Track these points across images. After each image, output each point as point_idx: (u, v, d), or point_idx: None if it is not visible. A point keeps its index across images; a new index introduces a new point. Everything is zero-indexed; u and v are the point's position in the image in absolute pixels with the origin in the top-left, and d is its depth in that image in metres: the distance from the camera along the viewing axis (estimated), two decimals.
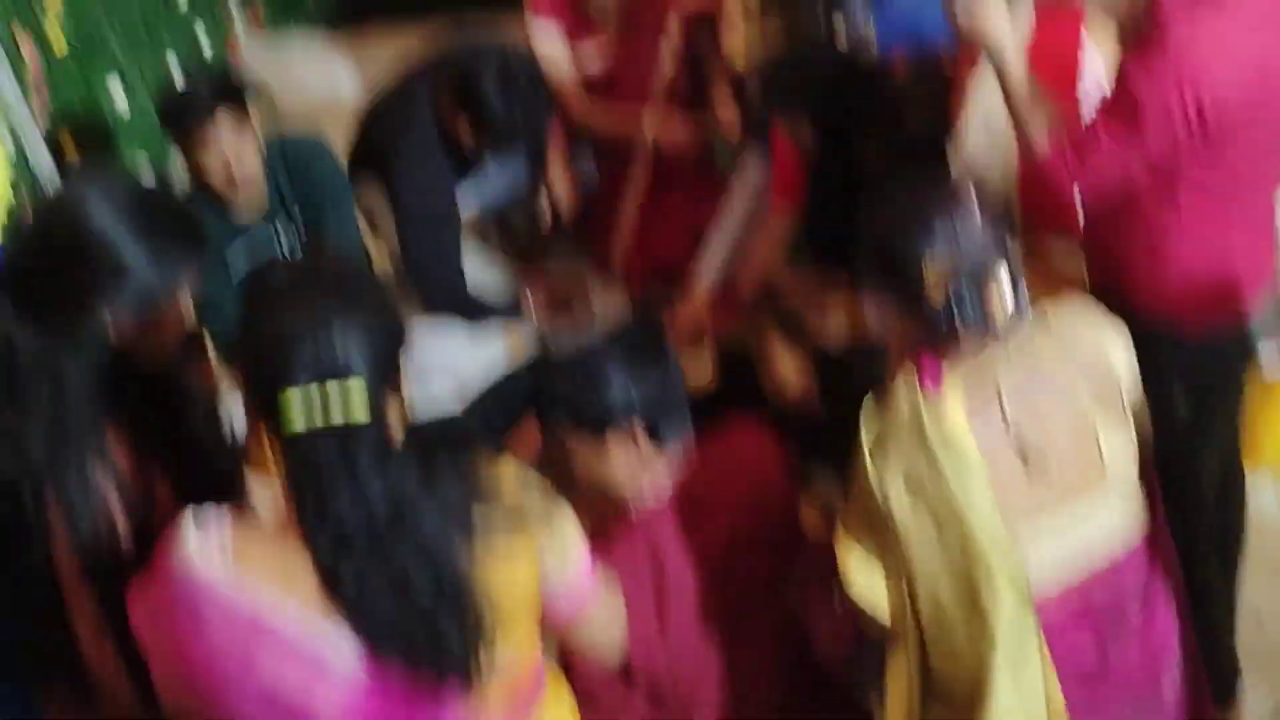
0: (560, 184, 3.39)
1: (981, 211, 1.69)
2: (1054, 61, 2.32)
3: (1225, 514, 2.51)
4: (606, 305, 3.42)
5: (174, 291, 1.89)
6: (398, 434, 1.52)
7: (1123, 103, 1.97)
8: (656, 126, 3.29)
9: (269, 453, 1.50)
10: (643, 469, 1.88)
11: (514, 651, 1.60)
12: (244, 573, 1.45)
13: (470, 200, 3.37)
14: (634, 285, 3.45)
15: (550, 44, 3.34)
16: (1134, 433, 1.81)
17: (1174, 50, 1.91)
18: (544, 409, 1.92)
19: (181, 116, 2.82)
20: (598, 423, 1.84)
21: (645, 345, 1.92)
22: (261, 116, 2.89)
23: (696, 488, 2.03)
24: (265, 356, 1.48)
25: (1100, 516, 1.80)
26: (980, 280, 1.66)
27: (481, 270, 3.56)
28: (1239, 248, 2.14)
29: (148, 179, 1.88)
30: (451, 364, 3.23)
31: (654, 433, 1.86)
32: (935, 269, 1.66)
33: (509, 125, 2.98)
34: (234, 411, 2.07)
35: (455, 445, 1.57)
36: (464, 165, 3.16)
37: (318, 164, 3.04)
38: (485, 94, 2.94)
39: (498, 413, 2.80)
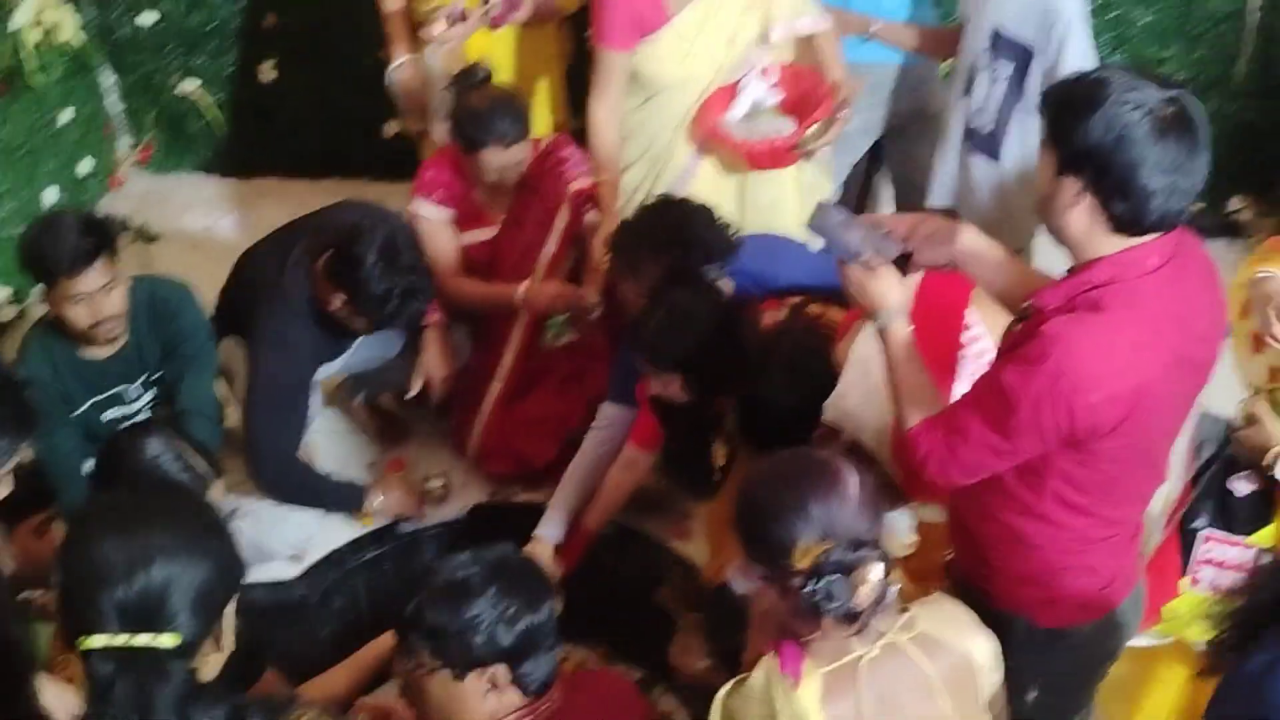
0: (434, 362, 3.33)
1: (860, 500, 1.67)
2: (937, 319, 2.33)
3: None
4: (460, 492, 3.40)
5: None
6: (209, 676, 1.45)
7: (996, 400, 1.92)
8: (528, 290, 3.27)
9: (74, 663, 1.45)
10: (500, 710, 1.81)
11: None
12: None
13: (336, 364, 3.30)
14: (490, 473, 3.43)
15: (434, 224, 3.32)
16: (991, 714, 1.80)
17: (1053, 357, 1.85)
18: (406, 631, 1.84)
19: (46, 262, 2.72)
20: (462, 663, 1.77)
21: (522, 582, 1.85)
22: (133, 254, 2.83)
23: None
24: (76, 594, 1.40)
25: None
26: (850, 570, 1.64)
27: (337, 439, 3.48)
28: (1104, 553, 2.12)
29: None
30: (295, 541, 3.14)
31: (517, 677, 1.79)
32: (806, 555, 1.63)
33: (385, 311, 2.93)
34: None
35: (273, 706, 1.50)
36: (335, 333, 3.10)
37: (183, 313, 2.98)
38: (365, 278, 2.90)
39: None
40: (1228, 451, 2.51)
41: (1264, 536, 2.58)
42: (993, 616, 2.13)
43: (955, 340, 2.41)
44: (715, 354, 2.48)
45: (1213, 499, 2.53)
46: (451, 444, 3.45)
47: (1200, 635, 2.56)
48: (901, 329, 2.06)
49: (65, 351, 2.87)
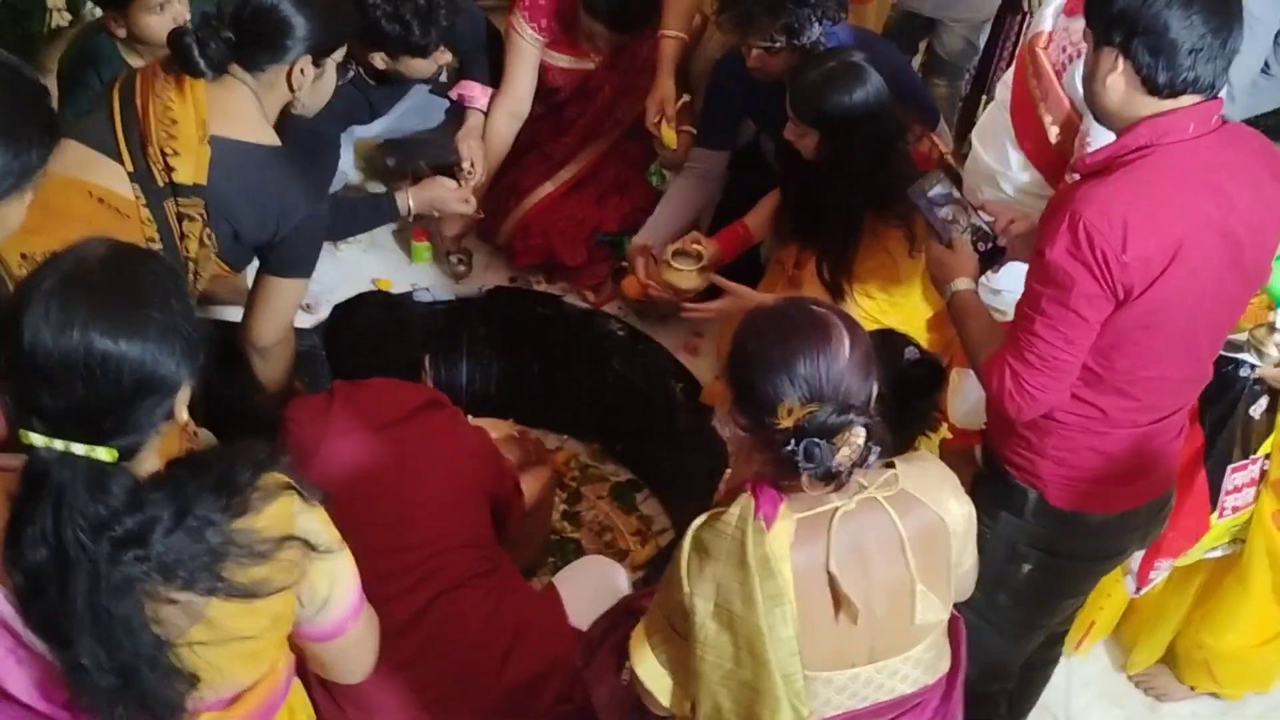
0: (471, 142, 3.29)
1: (852, 362, 1.65)
2: None
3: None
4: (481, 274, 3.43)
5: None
6: (155, 465, 1.41)
7: (1044, 279, 1.95)
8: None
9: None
10: None
11: (247, 677, 1.54)
12: None
13: (375, 126, 3.31)
14: (518, 264, 3.45)
15: (524, 45, 3.27)
16: (953, 593, 1.81)
17: (1083, 218, 1.89)
18: None
19: None
20: None
21: None
22: None
23: None
24: (16, 379, 1.32)
25: (898, 671, 1.78)
26: (833, 434, 1.62)
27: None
28: (1127, 443, 2.12)
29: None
30: (311, 291, 3.15)
31: None
32: (790, 415, 1.62)
33: (409, 37, 2.88)
34: None
35: (230, 472, 1.44)
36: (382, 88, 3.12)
37: None
38: (371, 8, 2.84)
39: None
40: (1250, 381, 2.53)
41: (1267, 445, 2.64)
42: (1012, 487, 2.20)
43: None
44: (862, 131, 2.54)
45: (1236, 430, 2.57)
46: (479, 226, 3.43)
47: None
48: (966, 289, 2.18)
49: (111, 58, 2.79)
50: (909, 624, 1.75)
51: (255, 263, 2.52)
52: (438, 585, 2.33)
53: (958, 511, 1.78)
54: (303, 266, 2.49)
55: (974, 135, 2.67)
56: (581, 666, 2.06)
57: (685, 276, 2.92)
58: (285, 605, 1.52)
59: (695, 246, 2.98)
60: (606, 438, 3.54)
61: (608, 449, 3.54)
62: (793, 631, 1.67)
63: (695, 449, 3.09)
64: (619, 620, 2.01)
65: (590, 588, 2.51)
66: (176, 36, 2.26)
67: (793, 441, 1.61)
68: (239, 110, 2.32)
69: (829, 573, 1.69)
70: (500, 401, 3.45)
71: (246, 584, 1.43)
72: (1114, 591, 2.83)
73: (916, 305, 2.75)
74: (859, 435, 1.64)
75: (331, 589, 1.58)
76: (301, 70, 2.35)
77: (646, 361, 3.34)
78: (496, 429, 2.85)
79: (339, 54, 2.44)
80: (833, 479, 1.66)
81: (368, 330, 2.59)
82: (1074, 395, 2.07)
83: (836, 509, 1.70)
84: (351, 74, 2.68)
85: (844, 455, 1.64)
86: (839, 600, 1.70)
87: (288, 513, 1.49)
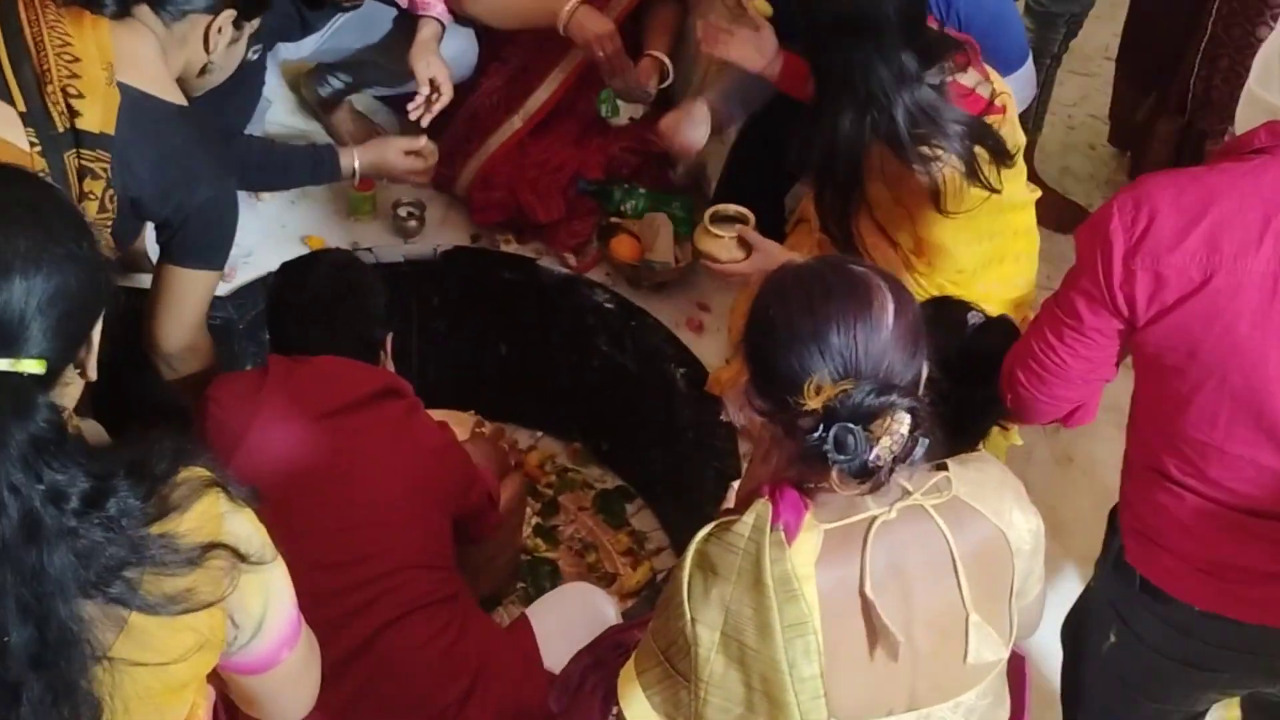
0: (426, 59, 3.27)
1: (896, 334, 1.66)
2: None
3: None
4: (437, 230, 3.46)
5: None
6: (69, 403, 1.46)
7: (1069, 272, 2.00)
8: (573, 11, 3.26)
9: None
10: None
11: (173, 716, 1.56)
12: None
13: (306, 46, 3.37)
14: (473, 218, 3.48)
15: None
16: (1014, 628, 1.81)
17: (1130, 195, 1.91)
18: None
19: None
20: None
21: None
22: None
23: None
24: None
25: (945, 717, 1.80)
26: (870, 418, 1.62)
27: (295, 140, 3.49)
28: (1192, 518, 2.03)
29: None
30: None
31: None
32: (818, 393, 1.62)
33: None
34: None
35: (145, 459, 1.47)
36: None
37: None
38: None
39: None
40: None
41: None
42: (1112, 524, 2.19)
43: None
44: (846, 34, 2.51)
45: None
46: (435, 175, 3.38)
47: None
48: None
49: None
50: (960, 663, 1.75)
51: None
52: (384, 613, 2.34)
53: (1023, 526, 1.77)
54: (209, 257, 2.52)
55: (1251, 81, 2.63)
56: (557, 712, 2.07)
57: (726, 245, 2.89)
58: (215, 626, 1.53)
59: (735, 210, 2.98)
60: (590, 435, 3.55)
61: (591, 449, 3.55)
62: (818, 669, 1.66)
63: (699, 449, 3.09)
64: (604, 655, 2.01)
65: (570, 621, 2.52)
66: None
67: (821, 427, 1.61)
68: (144, 58, 2.35)
69: (864, 597, 1.69)
70: (458, 389, 3.45)
71: (167, 595, 1.44)
72: None
73: (963, 279, 2.76)
74: (902, 422, 1.63)
75: (266, 607, 1.59)
76: (220, 29, 2.38)
77: (639, 340, 3.34)
78: (457, 424, 2.84)
79: (256, 22, 2.49)
80: (869, 476, 1.65)
81: (320, 295, 2.59)
82: (1136, 430, 2.08)
83: (874, 518, 1.69)
84: None
85: (883, 446, 1.63)
86: (875, 632, 1.70)
87: (214, 514, 1.51)
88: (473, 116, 3.45)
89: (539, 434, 3.58)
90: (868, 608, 1.69)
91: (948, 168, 2.55)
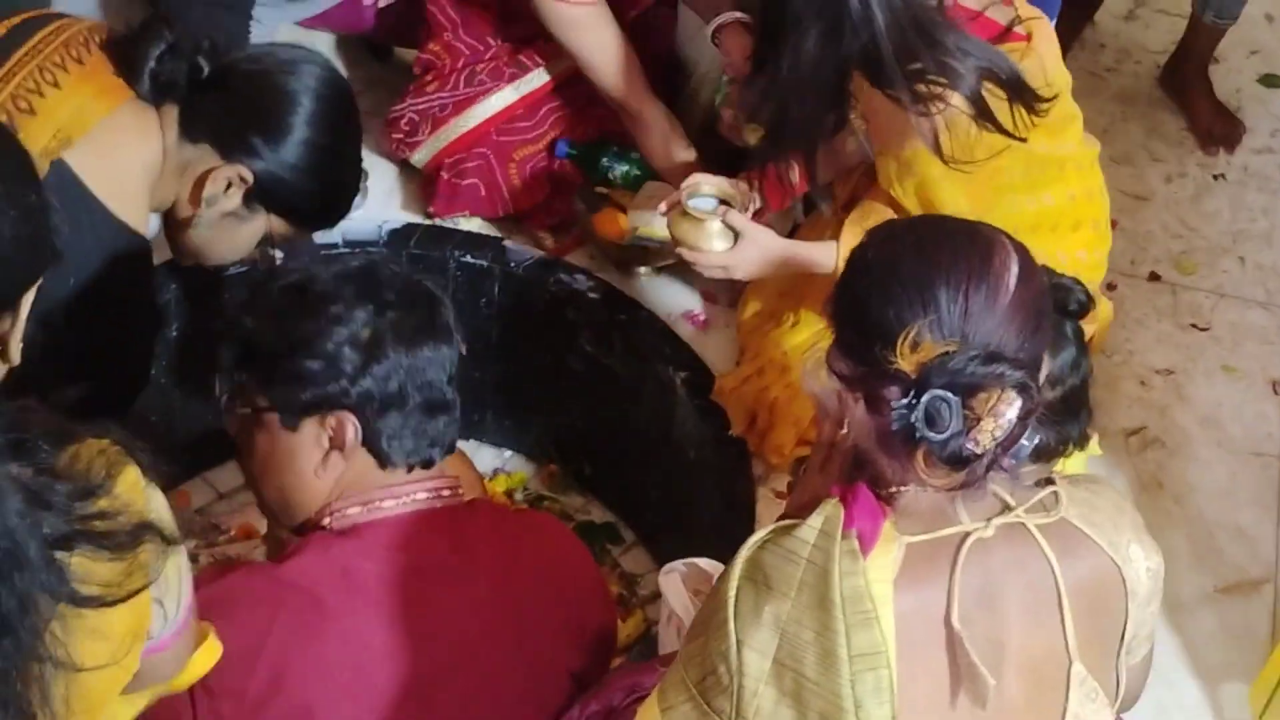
0: None
1: (1015, 302, 1.67)
2: None
3: None
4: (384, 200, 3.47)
5: None
6: None
7: None
8: None
9: None
10: (353, 483, 2.10)
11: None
12: None
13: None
14: (437, 199, 3.45)
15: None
16: (1120, 691, 1.82)
17: None
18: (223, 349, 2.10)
19: None
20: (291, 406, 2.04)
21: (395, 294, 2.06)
22: None
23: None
24: None
25: None
26: (972, 390, 1.61)
27: None
28: None
29: None
30: None
31: (371, 436, 2.06)
32: (914, 351, 1.62)
33: None
34: None
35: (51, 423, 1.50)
36: None
37: None
38: None
39: None
40: None
41: None
42: None
43: None
44: None
45: None
46: (384, 126, 3.38)
47: None
48: None
49: None
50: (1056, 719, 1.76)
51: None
52: None
53: (1141, 563, 1.80)
54: None
55: None
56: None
57: (706, 232, 2.83)
58: (143, 614, 1.60)
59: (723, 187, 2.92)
60: (569, 456, 3.56)
61: (572, 473, 3.56)
62: (889, 712, 1.65)
63: (702, 472, 3.12)
64: (616, 702, 2.03)
65: None
66: (147, 28, 2.41)
67: (911, 394, 1.60)
68: (123, 155, 2.38)
69: (949, 628, 1.69)
70: None
71: (100, 584, 1.48)
72: None
73: None
74: (1010, 403, 1.62)
75: (181, 592, 1.70)
76: (230, 183, 2.40)
77: (630, 337, 3.32)
78: None
79: (271, 220, 2.53)
80: (963, 466, 1.64)
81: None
82: None
83: (967, 534, 1.71)
84: None
85: (984, 429, 1.62)
86: (960, 671, 1.70)
87: (137, 488, 1.56)
88: (431, 56, 3.39)
89: (507, 454, 3.58)
90: (953, 641, 1.70)
91: (950, 108, 2.47)
